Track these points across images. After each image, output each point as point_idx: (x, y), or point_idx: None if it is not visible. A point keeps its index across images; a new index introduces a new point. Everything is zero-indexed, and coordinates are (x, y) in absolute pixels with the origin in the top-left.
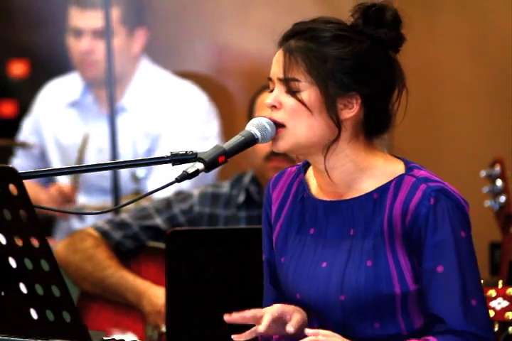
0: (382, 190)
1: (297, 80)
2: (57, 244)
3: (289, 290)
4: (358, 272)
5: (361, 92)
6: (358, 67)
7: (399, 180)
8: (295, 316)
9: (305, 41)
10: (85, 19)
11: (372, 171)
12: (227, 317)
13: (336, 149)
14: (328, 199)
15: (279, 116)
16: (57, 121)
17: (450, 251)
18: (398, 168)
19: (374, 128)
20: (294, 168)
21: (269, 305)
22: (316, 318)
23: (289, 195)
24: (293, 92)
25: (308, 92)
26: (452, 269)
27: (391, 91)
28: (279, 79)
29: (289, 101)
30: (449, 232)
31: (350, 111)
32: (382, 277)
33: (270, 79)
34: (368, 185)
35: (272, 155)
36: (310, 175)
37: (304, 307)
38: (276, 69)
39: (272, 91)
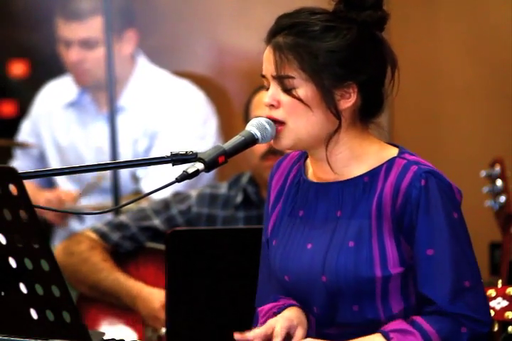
0: (373, 173)
1: (291, 77)
2: (55, 247)
3: (278, 273)
4: (339, 252)
5: (356, 80)
6: (351, 57)
7: (390, 163)
8: (298, 332)
9: (293, 37)
10: (71, 30)
11: (367, 157)
12: (237, 336)
13: (336, 139)
14: (320, 182)
15: (278, 114)
16: (56, 122)
17: (442, 233)
18: (391, 152)
19: (370, 112)
20: (297, 153)
21: (264, 294)
22: (303, 301)
23: (288, 180)
24: (289, 90)
25: (305, 88)
26: (444, 251)
27: (384, 72)
28: (273, 77)
29: (286, 99)
30: (442, 214)
31: (348, 100)
32: (363, 259)
33: (264, 76)
34: (360, 169)
35: (269, 153)
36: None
37: (292, 290)
38: (269, 67)
39: (267, 89)
